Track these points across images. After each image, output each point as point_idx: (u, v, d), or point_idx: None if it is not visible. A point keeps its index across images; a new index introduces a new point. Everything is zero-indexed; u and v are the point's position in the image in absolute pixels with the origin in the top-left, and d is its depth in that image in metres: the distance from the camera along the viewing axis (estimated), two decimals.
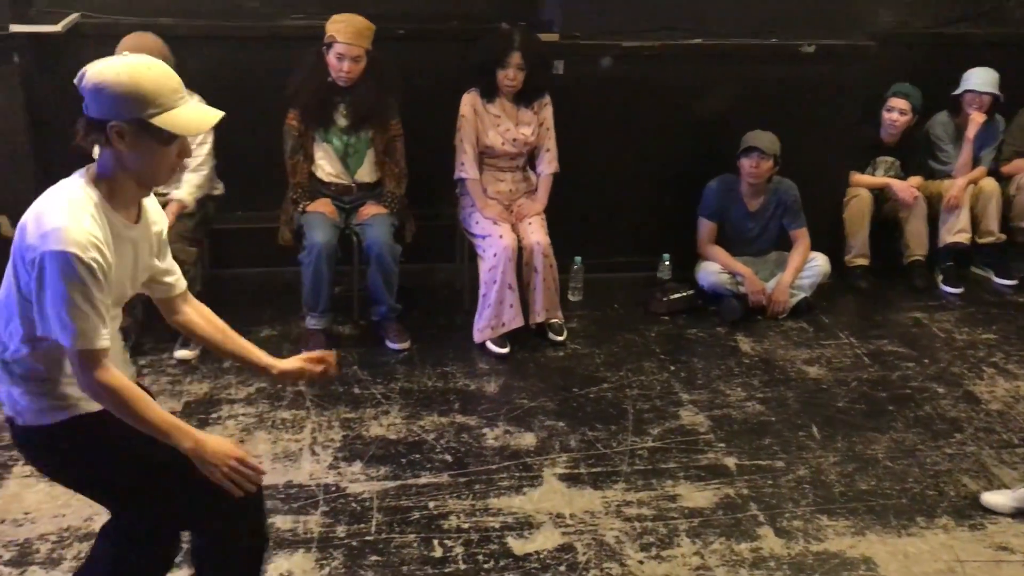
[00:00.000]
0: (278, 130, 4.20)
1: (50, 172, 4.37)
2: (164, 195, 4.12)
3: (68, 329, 1.90)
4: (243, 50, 4.50)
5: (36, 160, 4.27)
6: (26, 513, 3.04)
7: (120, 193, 1.99)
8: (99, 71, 1.91)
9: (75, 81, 1.94)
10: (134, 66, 1.93)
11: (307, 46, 4.17)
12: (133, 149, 1.93)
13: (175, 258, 3.96)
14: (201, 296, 3.95)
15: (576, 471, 3.36)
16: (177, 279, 2.30)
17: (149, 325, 4.20)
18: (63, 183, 2.00)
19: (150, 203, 2.16)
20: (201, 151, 4.13)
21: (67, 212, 1.90)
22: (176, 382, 3.87)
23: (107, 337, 1.96)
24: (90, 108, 1.92)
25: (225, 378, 3.91)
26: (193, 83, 4.13)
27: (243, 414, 3.65)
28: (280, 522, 3.01)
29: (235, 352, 2.33)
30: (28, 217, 1.94)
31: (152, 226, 2.16)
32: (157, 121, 1.90)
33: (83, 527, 2.97)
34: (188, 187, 4.11)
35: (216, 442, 2.06)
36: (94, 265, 1.89)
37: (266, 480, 3.18)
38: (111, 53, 3.92)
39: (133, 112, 1.89)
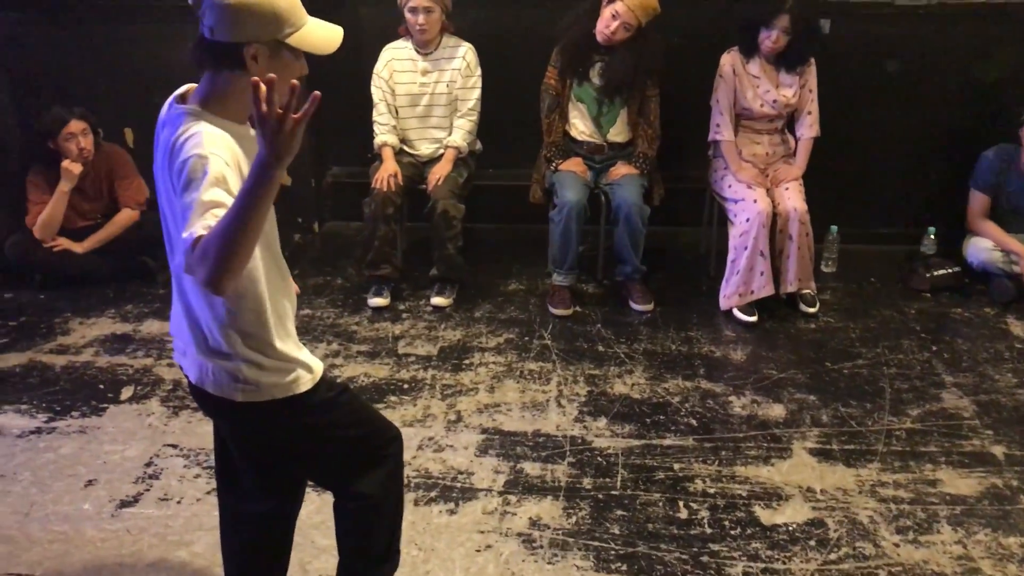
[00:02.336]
0: (534, 90, 4.27)
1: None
2: (439, 141, 4.30)
3: None
4: (506, 9, 4.59)
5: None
6: None
7: (236, 110, 1.86)
8: None
9: (191, 1, 1.83)
10: None
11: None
12: (267, 71, 1.74)
13: (447, 214, 4.14)
14: (459, 249, 4.15)
15: (828, 447, 3.25)
16: None
17: (408, 273, 4.42)
18: (185, 125, 1.80)
19: None
20: (471, 96, 4.26)
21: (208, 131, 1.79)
22: (432, 328, 4.05)
23: None
24: (219, 31, 1.79)
25: (477, 327, 4.06)
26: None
27: (493, 362, 3.77)
28: (529, 468, 3.10)
29: None
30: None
31: None
32: (293, 40, 1.83)
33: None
34: (460, 133, 4.26)
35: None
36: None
37: (515, 427, 3.35)
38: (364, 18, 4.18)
39: (272, 32, 1.81)
